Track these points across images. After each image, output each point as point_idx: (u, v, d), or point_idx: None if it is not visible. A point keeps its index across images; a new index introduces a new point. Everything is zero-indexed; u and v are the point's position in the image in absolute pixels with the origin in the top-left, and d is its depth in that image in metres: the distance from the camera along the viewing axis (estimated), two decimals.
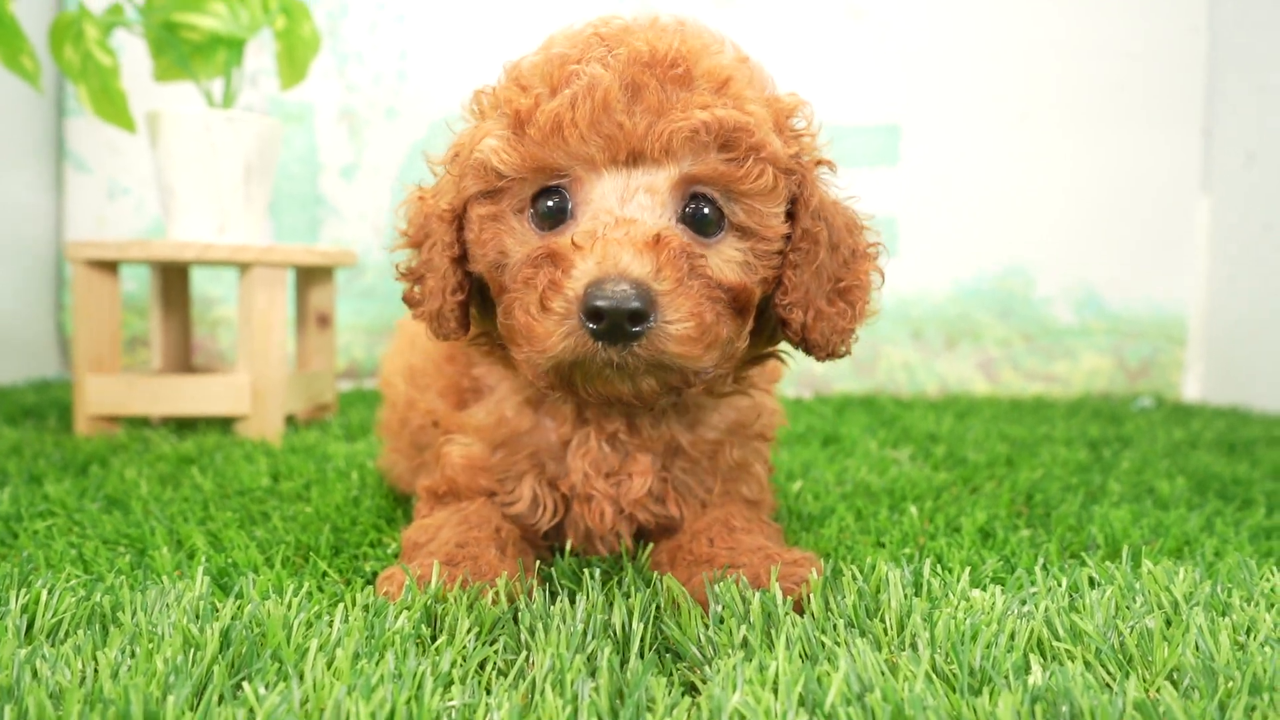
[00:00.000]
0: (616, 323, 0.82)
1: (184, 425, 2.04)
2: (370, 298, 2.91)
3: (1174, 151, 2.94)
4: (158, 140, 1.97)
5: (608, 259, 0.83)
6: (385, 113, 2.89)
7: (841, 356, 1.01)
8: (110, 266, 1.94)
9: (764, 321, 1.01)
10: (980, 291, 2.99)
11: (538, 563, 1.02)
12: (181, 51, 1.97)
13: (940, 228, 2.98)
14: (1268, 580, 0.97)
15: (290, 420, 2.14)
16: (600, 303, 0.81)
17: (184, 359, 2.25)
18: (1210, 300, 2.94)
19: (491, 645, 0.80)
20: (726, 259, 0.91)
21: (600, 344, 0.83)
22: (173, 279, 2.22)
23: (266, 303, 1.94)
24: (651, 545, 1.06)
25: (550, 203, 0.91)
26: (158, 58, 2.06)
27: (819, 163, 1.00)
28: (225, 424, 2.04)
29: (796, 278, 0.96)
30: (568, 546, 1.07)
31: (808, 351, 1.00)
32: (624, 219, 0.86)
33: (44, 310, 2.84)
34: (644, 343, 0.83)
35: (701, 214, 0.91)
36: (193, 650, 0.77)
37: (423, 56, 2.90)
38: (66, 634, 0.84)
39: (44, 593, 0.87)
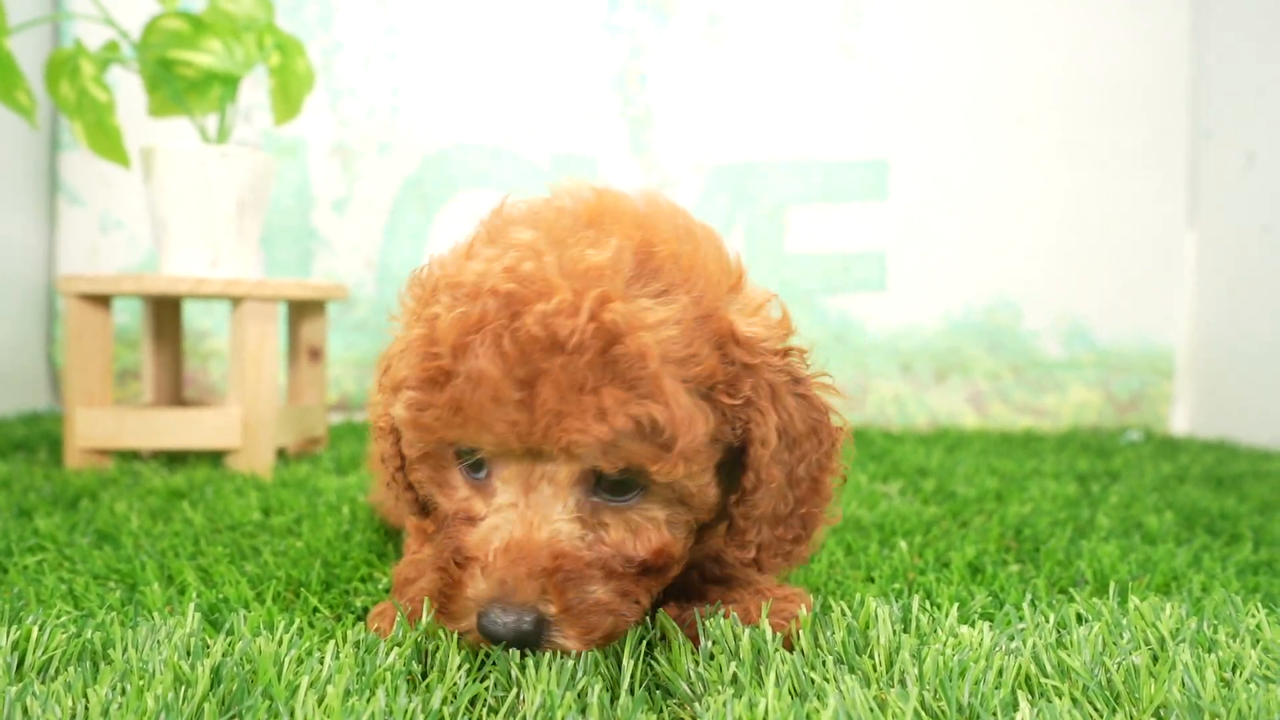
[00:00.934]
0: (509, 644, 0.82)
1: (174, 459, 2.04)
2: (362, 331, 2.92)
3: (1160, 184, 2.98)
4: (152, 175, 1.98)
5: (497, 585, 0.81)
6: (378, 147, 2.91)
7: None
8: (102, 300, 1.95)
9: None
10: (969, 325, 3.01)
11: None
12: (176, 88, 1.99)
13: (929, 262, 3.00)
14: (1253, 617, 0.98)
15: (281, 453, 2.14)
16: (489, 630, 0.81)
17: (175, 392, 2.25)
18: (1198, 334, 2.97)
19: (482, 682, 0.80)
20: (649, 517, 0.86)
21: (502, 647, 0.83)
22: (164, 312, 2.22)
23: (258, 336, 1.94)
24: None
25: (472, 458, 0.87)
26: (153, 94, 2.07)
27: (786, 355, 0.90)
28: (216, 457, 2.03)
29: (746, 523, 0.89)
30: None
31: (755, 569, 0.94)
32: (520, 537, 0.82)
33: (35, 343, 2.83)
34: (541, 649, 0.83)
35: (618, 479, 0.84)
36: (183, 687, 0.77)
37: (415, 92, 2.92)
38: (57, 671, 0.84)
39: (35, 629, 0.87)
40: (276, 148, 2.88)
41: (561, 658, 0.82)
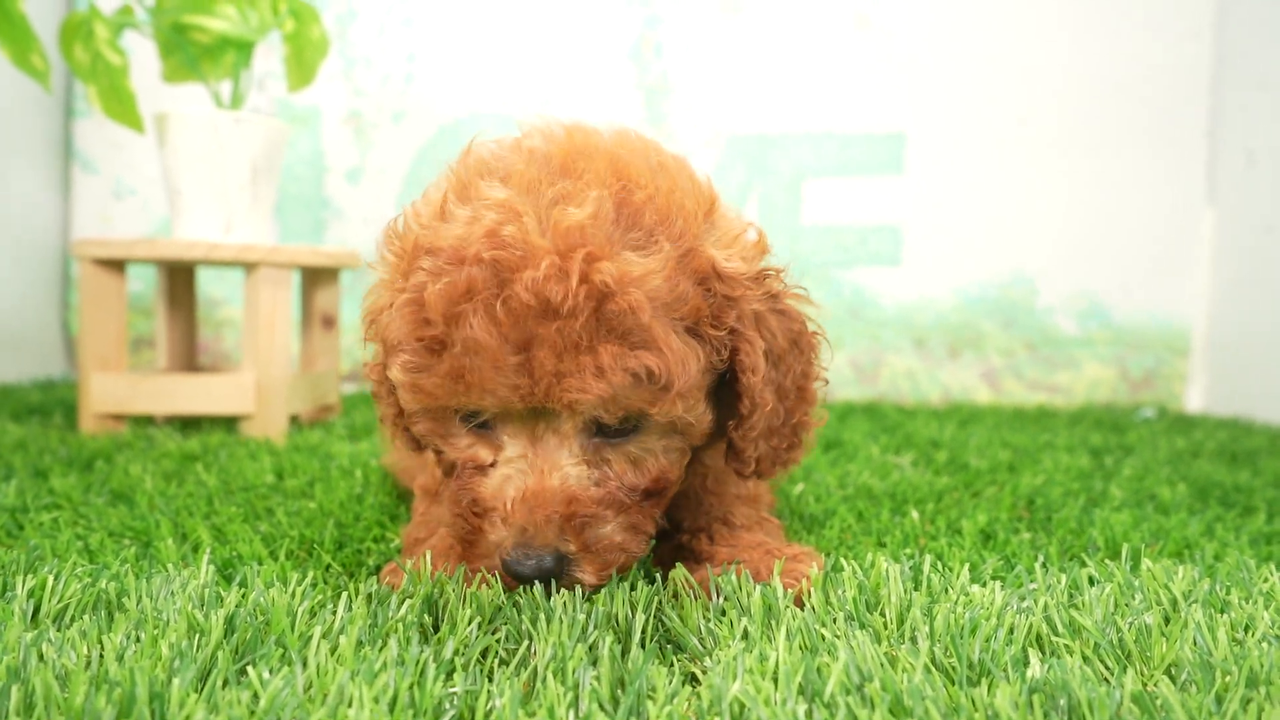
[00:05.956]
0: (534, 582, 0.85)
1: (188, 424, 2.05)
2: None
3: (1178, 162, 2.95)
4: (166, 140, 1.98)
5: (519, 532, 0.84)
6: (392, 116, 2.91)
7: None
8: (117, 265, 1.96)
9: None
10: (984, 300, 2.99)
11: None
12: (190, 53, 1.98)
13: (944, 236, 2.99)
14: (1266, 580, 0.98)
15: (294, 420, 2.15)
16: (514, 569, 0.85)
17: (189, 359, 2.26)
18: (1214, 312, 2.95)
19: (493, 634, 0.81)
20: (647, 449, 0.89)
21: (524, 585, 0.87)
22: (178, 279, 2.23)
23: (271, 302, 1.95)
24: (654, 542, 1.06)
25: (476, 420, 0.89)
26: (167, 59, 2.07)
27: (764, 278, 0.92)
28: (230, 423, 2.04)
29: (745, 444, 0.93)
30: None
31: (756, 474, 0.98)
32: (534, 485, 0.85)
33: (50, 310, 2.85)
34: (561, 583, 0.87)
35: (618, 422, 0.86)
36: (197, 635, 0.77)
37: (430, 61, 2.91)
38: (72, 619, 0.84)
39: (50, 578, 0.88)
40: (290, 116, 2.88)
41: (572, 611, 0.83)
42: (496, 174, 0.87)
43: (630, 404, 0.83)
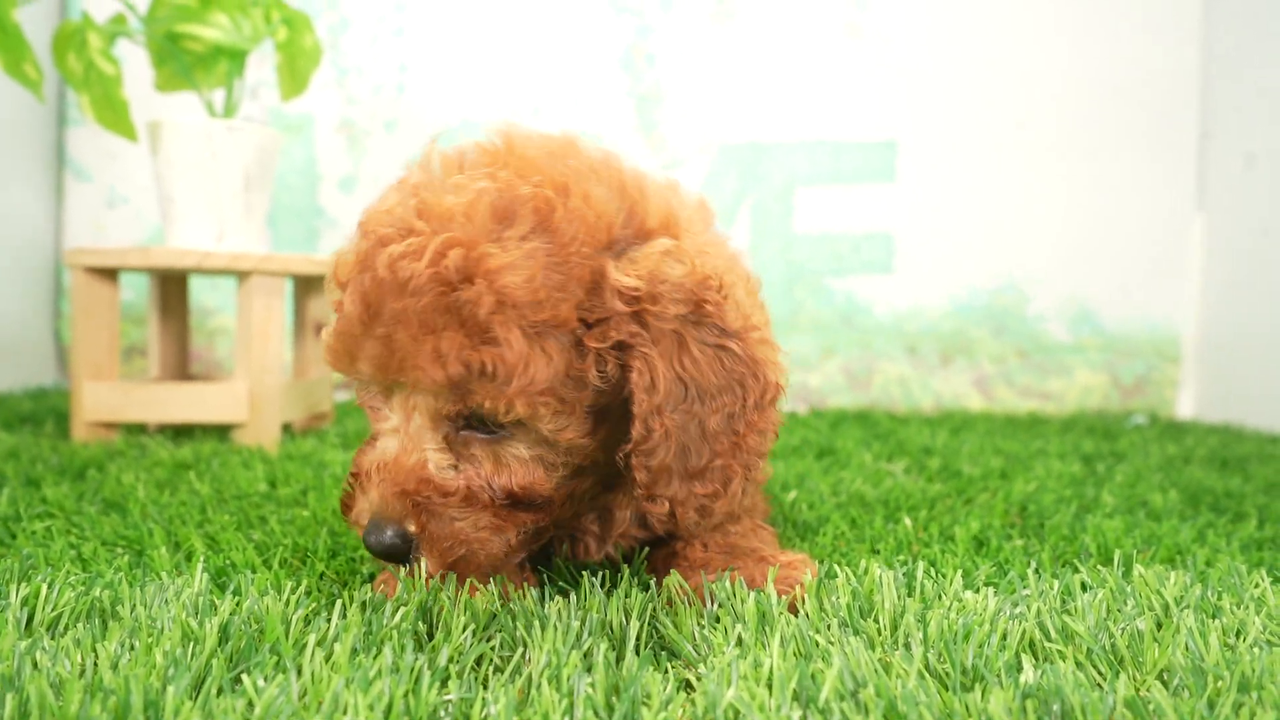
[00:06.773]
0: (383, 557, 0.88)
1: (181, 433, 2.05)
2: None
3: (1170, 168, 2.96)
4: (159, 149, 1.98)
5: (373, 503, 0.88)
6: (384, 125, 2.91)
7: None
8: (109, 274, 1.95)
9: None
10: (975, 308, 3.00)
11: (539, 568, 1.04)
12: (184, 62, 1.99)
13: (936, 244, 2.99)
14: (1257, 586, 0.98)
15: (287, 429, 2.14)
16: (368, 543, 0.87)
17: (182, 367, 2.26)
18: (1205, 318, 2.96)
19: (488, 642, 0.81)
20: (515, 454, 0.89)
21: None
22: (171, 287, 2.22)
23: (264, 311, 1.95)
24: (647, 550, 1.07)
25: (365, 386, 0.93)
26: (160, 68, 2.07)
27: (699, 305, 0.88)
28: (222, 431, 2.04)
29: (648, 475, 0.89)
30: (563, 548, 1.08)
31: (680, 531, 1.00)
32: (391, 458, 0.88)
33: (42, 319, 2.84)
34: (413, 566, 0.89)
35: (483, 417, 0.87)
36: (192, 643, 0.77)
37: (422, 70, 2.92)
38: (66, 627, 0.84)
39: (44, 587, 0.88)
40: (283, 125, 2.88)
41: (566, 619, 0.83)
42: (424, 166, 0.92)
43: (469, 397, 0.84)
